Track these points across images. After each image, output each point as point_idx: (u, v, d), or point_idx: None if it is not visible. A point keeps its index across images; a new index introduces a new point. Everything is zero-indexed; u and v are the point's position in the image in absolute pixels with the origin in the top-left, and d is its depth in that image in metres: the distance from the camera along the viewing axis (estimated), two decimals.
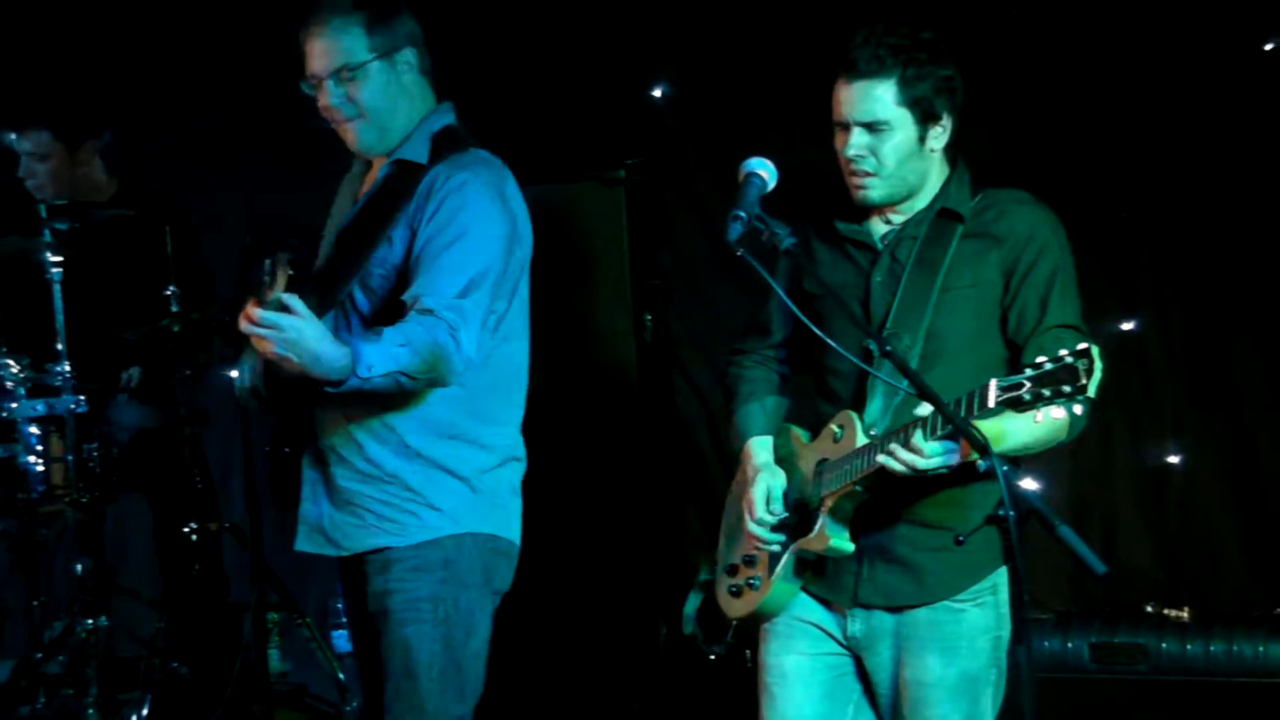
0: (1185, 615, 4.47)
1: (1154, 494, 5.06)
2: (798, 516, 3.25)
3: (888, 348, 2.87)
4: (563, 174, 5.34)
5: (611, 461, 5.30)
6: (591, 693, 5.25)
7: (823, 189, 3.30)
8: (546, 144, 5.42)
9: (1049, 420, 2.75)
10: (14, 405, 4.79)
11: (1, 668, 5.19)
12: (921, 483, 3.05)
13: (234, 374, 3.46)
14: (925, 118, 3.12)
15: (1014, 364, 3.11)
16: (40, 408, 4.78)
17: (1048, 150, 4.92)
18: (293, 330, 2.95)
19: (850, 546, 3.17)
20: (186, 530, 5.14)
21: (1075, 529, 2.69)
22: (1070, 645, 4.46)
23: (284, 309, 2.95)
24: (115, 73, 5.90)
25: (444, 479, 3.33)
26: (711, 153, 5.36)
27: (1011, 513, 2.69)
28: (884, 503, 3.16)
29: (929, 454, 2.93)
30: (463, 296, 3.20)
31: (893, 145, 3.13)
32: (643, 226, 5.38)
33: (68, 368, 4.78)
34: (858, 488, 3.12)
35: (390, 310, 3.31)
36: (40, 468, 4.85)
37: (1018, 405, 2.74)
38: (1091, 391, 2.66)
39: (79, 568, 4.96)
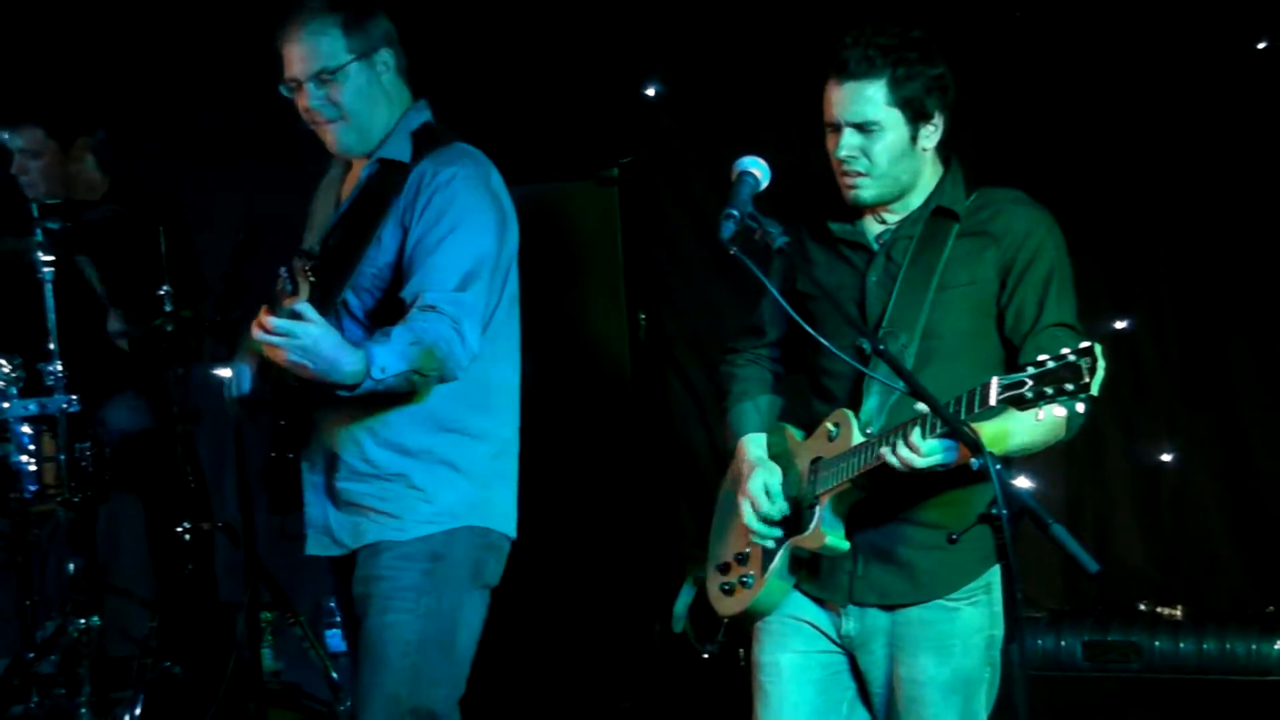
0: (1178, 613, 4.47)
1: (1147, 492, 5.06)
2: (792, 514, 3.25)
3: (881, 347, 2.87)
4: (557, 173, 5.35)
5: (605, 460, 5.30)
6: (584, 691, 5.26)
7: (815, 190, 3.30)
8: (541, 143, 5.43)
9: (1050, 419, 2.75)
10: (6, 405, 4.79)
11: None
12: (917, 482, 3.05)
13: (225, 372, 3.47)
14: (916, 117, 3.12)
15: (1010, 363, 3.12)
16: (32, 407, 4.78)
17: (1040, 149, 4.92)
18: (308, 338, 2.99)
19: (845, 545, 3.17)
20: (179, 530, 5.14)
21: (1068, 527, 2.69)
22: (1063, 643, 4.46)
23: (297, 317, 2.97)
24: (107, 70, 5.89)
25: (445, 473, 3.35)
26: (705, 152, 5.36)
27: (1005, 511, 2.69)
28: (879, 501, 3.16)
29: (926, 452, 2.94)
30: (462, 290, 3.23)
31: (884, 145, 3.12)
32: (636, 225, 5.39)
33: (60, 367, 4.78)
34: (853, 486, 3.12)
35: (385, 309, 3.32)
36: (32, 467, 4.85)
37: (1020, 403, 2.74)
38: (1095, 389, 2.67)
39: (71, 567, 4.96)
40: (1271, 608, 4.54)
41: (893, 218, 3.24)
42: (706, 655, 3.48)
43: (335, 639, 5.34)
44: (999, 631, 3.18)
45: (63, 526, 4.97)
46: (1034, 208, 3.21)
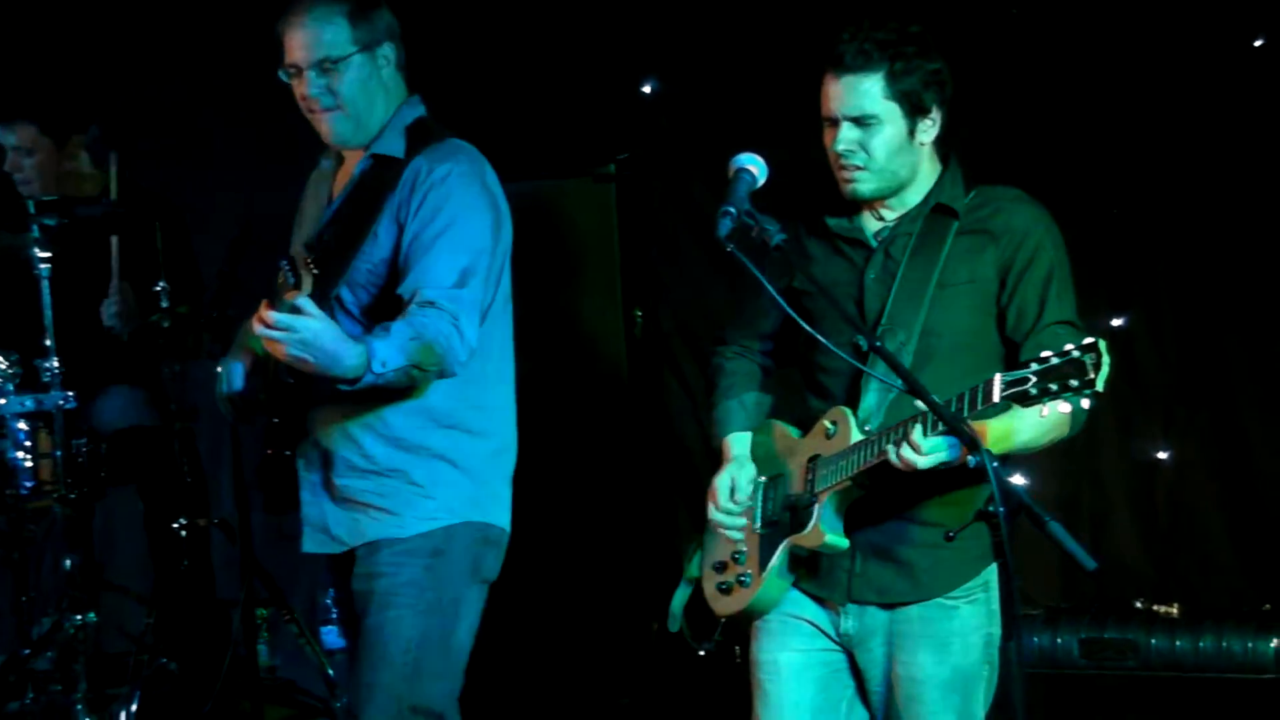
0: (1174, 611, 4.47)
1: (1144, 490, 5.06)
2: (789, 513, 3.24)
3: (878, 344, 2.87)
4: (553, 170, 5.34)
5: (601, 457, 5.30)
6: (582, 688, 5.25)
7: (812, 186, 3.30)
8: (537, 140, 5.43)
9: (1054, 415, 2.75)
10: (2, 401, 4.78)
11: None
12: (916, 480, 3.04)
13: (218, 369, 3.47)
14: (914, 111, 3.12)
15: (1010, 362, 3.11)
16: (29, 403, 4.77)
17: (1037, 146, 4.91)
18: (308, 332, 2.98)
19: (844, 543, 3.16)
20: (176, 526, 5.13)
21: (1065, 525, 2.69)
22: (1060, 641, 4.46)
23: (297, 311, 2.97)
24: (104, 68, 5.89)
25: (444, 469, 3.36)
26: (702, 149, 5.35)
27: (1002, 509, 2.68)
28: (878, 499, 3.16)
29: (928, 450, 2.93)
30: (460, 286, 3.24)
31: (882, 139, 3.12)
32: (633, 222, 5.39)
33: (56, 363, 4.77)
34: (852, 484, 3.12)
35: (381, 304, 3.32)
36: (29, 463, 4.84)
37: (1024, 400, 2.74)
38: (1100, 385, 2.67)
39: (67, 563, 4.96)
40: (1268, 605, 4.54)
41: (891, 214, 3.24)
42: (703, 654, 3.47)
43: (331, 635, 5.34)
44: (997, 629, 3.18)
45: (59, 523, 4.98)
46: (1033, 206, 3.21)
